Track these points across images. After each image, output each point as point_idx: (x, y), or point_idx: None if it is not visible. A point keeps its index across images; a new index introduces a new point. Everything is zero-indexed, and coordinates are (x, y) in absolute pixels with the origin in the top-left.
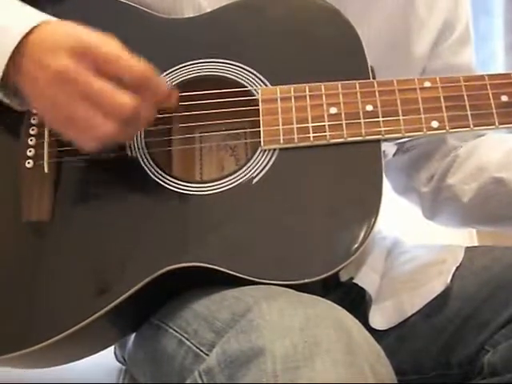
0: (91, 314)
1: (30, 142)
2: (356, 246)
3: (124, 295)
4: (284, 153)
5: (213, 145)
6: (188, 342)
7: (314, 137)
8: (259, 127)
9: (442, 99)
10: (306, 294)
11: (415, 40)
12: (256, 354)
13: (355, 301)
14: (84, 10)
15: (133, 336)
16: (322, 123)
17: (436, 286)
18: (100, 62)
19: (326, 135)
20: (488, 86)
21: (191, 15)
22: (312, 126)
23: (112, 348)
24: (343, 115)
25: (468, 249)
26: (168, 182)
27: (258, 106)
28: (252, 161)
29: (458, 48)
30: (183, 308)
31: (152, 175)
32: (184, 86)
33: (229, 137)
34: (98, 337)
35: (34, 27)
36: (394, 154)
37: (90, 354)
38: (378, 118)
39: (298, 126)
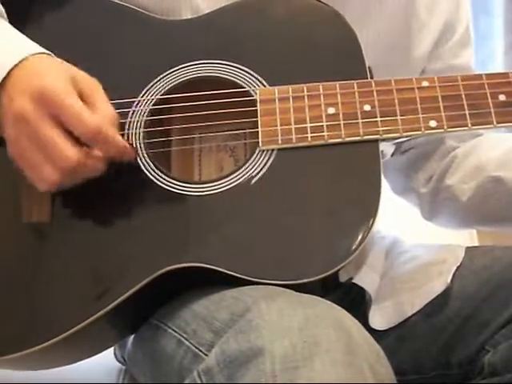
0: (91, 315)
1: None
2: (355, 245)
3: (123, 296)
4: (282, 153)
5: (212, 145)
6: (187, 342)
7: (312, 137)
8: (257, 128)
9: (440, 99)
10: (305, 294)
11: (415, 41)
12: (255, 354)
13: (355, 301)
14: (82, 13)
15: (132, 336)
16: (320, 123)
17: (436, 286)
18: (56, 111)
19: (324, 135)
20: (486, 86)
21: (189, 17)
22: (310, 127)
23: (112, 348)
24: (341, 115)
25: (468, 249)
26: (167, 182)
27: (256, 106)
28: (251, 161)
29: (458, 50)
30: (182, 308)
31: (151, 176)
32: (182, 87)
33: (228, 137)
34: (97, 338)
35: (19, 62)
36: (393, 154)
37: (90, 356)
38: (376, 117)
39: (296, 126)
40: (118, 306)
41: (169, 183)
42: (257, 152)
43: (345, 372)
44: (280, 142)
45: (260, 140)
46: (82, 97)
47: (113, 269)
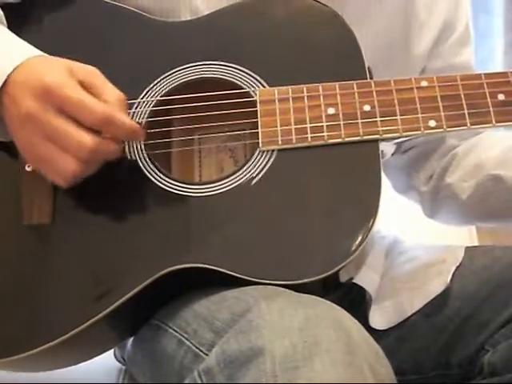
0: (91, 317)
1: None
2: (355, 245)
3: (124, 297)
4: (282, 153)
5: (212, 146)
6: (188, 342)
7: (312, 137)
8: (257, 128)
9: (439, 98)
10: (305, 295)
11: (415, 40)
12: (255, 354)
13: (355, 301)
14: (82, 15)
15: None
16: (320, 124)
17: (436, 286)
18: (61, 104)
19: (323, 136)
20: (485, 85)
21: (188, 18)
22: (310, 127)
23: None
24: (341, 115)
25: (468, 248)
26: (167, 183)
27: (256, 107)
28: (251, 162)
29: (458, 48)
30: (183, 308)
31: (151, 177)
32: (182, 88)
33: (228, 138)
34: (97, 340)
35: (18, 66)
36: (393, 154)
37: (90, 358)
38: (376, 118)
39: (296, 126)
40: (118, 308)
41: (169, 184)
42: (257, 153)
43: (345, 372)
44: (280, 142)
45: (260, 141)
46: (83, 86)
47: (114, 270)
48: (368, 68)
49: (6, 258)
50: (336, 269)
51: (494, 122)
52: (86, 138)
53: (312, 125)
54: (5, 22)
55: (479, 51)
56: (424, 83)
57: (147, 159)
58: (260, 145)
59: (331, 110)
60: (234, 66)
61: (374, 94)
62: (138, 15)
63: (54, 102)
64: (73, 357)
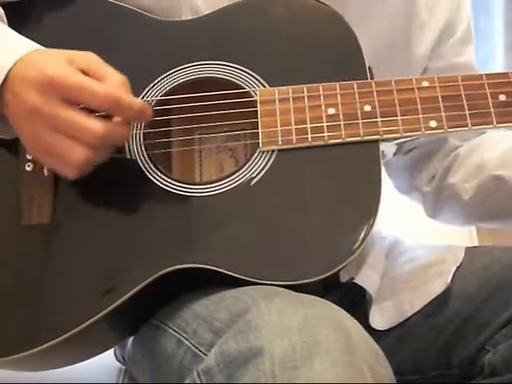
0: (93, 316)
1: None
2: (355, 246)
3: (125, 297)
4: (283, 154)
5: (212, 146)
6: (187, 342)
7: (312, 138)
8: (258, 128)
9: (440, 99)
10: (304, 295)
11: (416, 41)
12: (254, 354)
13: (355, 301)
14: (83, 14)
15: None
16: (321, 124)
17: (436, 286)
18: (66, 94)
19: (324, 136)
20: (486, 86)
21: (189, 17)
22: (310, 127)
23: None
24: (341, 116)
25: (468, 249)
26: (167, 183)
27: (256, 107)
28: (251, 162)
29: (460, 48)
30: (183, 308)
31: (151, 177)
32: (182, 88)
33: (228, 138)
34: (97, 339)
35: (17, 60)
36: (395, 154)
37: (91, 357)
38: (376, 118)
39: (297, 127)
40: (119, 307)
41: (169, 184)
42: (257, 153)
43: (344, 372)
44: (280, 142)
45: (260, 141)
46: (84, 73)
47: (114, 270)
48: (369, 68)
49: (5, 258)
50: (336, 269)
51: (495, 122)
52: (96, 125)
53: (312, 125)
54: (5, 20)
55: (479, 52)
56: (425, 83)
57: (147, 159)
58: (260, 145)
59: (332, 110)
60: (234, 65)
61: (375, 94)
62: (138, 14)
63: (59, 92)
64: (73, 356)
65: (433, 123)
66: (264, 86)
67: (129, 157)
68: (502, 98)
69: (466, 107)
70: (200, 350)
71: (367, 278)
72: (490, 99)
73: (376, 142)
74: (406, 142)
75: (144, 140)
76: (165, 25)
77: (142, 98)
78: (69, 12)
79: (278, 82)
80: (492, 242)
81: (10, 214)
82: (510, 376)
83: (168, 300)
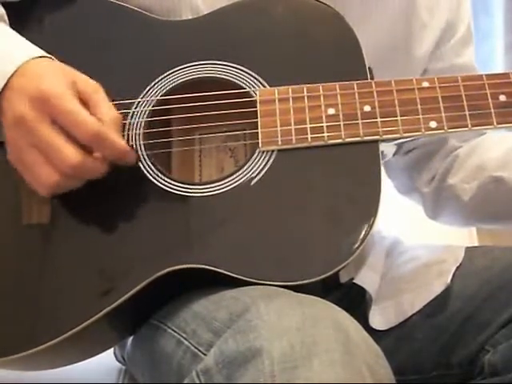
0: (92, 316)
1: None
2: (355, 246)
3: (124, 297)
4: (282, 154)
5: (212, 146)
6: (186, 342)
7: (312, 138)
8: (257, 128)
9: (440, 99)
10: (304, 295)
11: (416, 41)
12: (253, 354)
13: (355, 301)
14: (83, 14)
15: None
16: (320, 124)
17: (436, 286)
18: (54, 115)
19: (324, 136)
20: (486, 86)
21: (189, 17)
22: (310, 127)
23: (112, 348)
24: (341, 116)
25: (468, 249)
26: (167, 183)
27: (256, 107)
28: (250, 162)
29: (460, 48)
30: (182, 308)
31: (151, 177)
32: (182, 88)
33: (228, 138)
34: (97, 339)
35: (19, 67)
36: (394, 155)
37: (91, 356)
38: (376, 118)
39: (296, 127)
40: (119, 307)
41: (169, 184)
42: (257, 153)
43: (343, 372)
44: (280, 142)
45: (260, 141)
46: (82, 100)
47: (113, 270)
48: (369, 68)
49: (5, 258)
50: (336, 269)
51: (495, 123)
52: (72, 153)
53: (312, 125)
54: (7, 20)
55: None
56: (425, 84)
57: (147, 159)
58: (260, 145)
59: (331, 111)
60: (234, 65)
61: (375, 94)
62: (139, 14)
63: (49, 111)
64: (73, 356)
65: (433, 124)
66: (264, 86)
67: None
68: (503, 98)
69: (466, 108)
70: (199, 350)
71: (367, 278)
72: (490, 100)
73: (376, 142)
74: (406, 142)
75: (144, 140)
76: (165, 25)
77: (143, 97)
78: (69, 12)
79: (277, 82)
80: (492, 242)
81: (10, 214)
82: (510, 376)
83: (167, 300)
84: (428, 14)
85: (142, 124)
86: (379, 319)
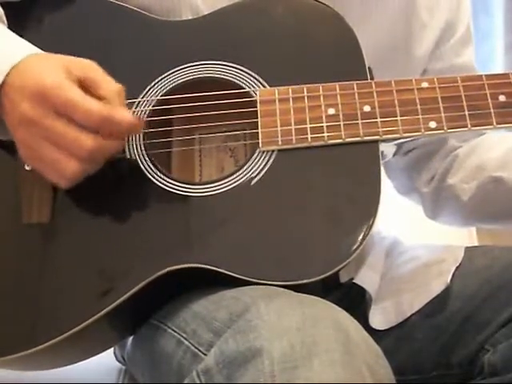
0: (92, 315)
1: None
2: (355, 246)
3: (124, 296)
4: (282, 154)
5: (212, 146)
6: (186, 342)
7: (312, 138)
8: (258, 128)
9: (440, 100)
10: (304, 295)
11: (416, 41)
12: (254, 354)
13: (355, 301)
14: (82, 14)
15: (132, 336)
16: (320, 124)
17: (436, 286)
18: (57, 106)
19: (324, 136)
20: (486, 86)
21: (189, 17)
22: (310, 127)
23: (112, 348)
24: (341, 116)
25: (468, 249)
26: (167, 183)
27: (256, 107)
28: (250, 162)
29: (460, 48)
30: (182, 308)
31: (151, 177)
32: (183, 87)
33: (228, 138)
34: (98, 338)
35: (14, 65)
36: (394, 155)
37: (90, 357)
38: (376, 118)
39: (296, 127)
40: (118, 307)
41: (169, 184)
42: (257, 153)
43: (343, 372)
44: (280, 142)
45: (260, 141)
46: (81, 83)
47: (113, 270)
48: (369, 68)
49: (5, 257)
50: (336, 269)
51: (494, 123)
52: (86, 138)
53: (312, 125)
54: (5, 20)
55: (479, 52)
56: (425, 84)
57: (147, 159)
58: (260, 145)
59: (331, 111)
60: (234, 65)
61: (375, 94)
62: (138, 14)
63: (51, 104)
64: (73, 355)
65: (432, 124)
66: (264, 86)
67: (129, 156)
68: (502, 98)
69: (465, 108)
70: (199, 350)
71: (367, 278)
72: (489, 100)
73: (376, 142)
74: (406, 142)
75: (144, 140)
76: (165, 25)
77: (143, 97)
78: (69, 12)
79: (277, 82)
80: (492, 242)
81: (10, 213)
82: (509, 376)
83: (167, 300)
84: (428, 14)
85: (142, 116)
86: (379, 319)
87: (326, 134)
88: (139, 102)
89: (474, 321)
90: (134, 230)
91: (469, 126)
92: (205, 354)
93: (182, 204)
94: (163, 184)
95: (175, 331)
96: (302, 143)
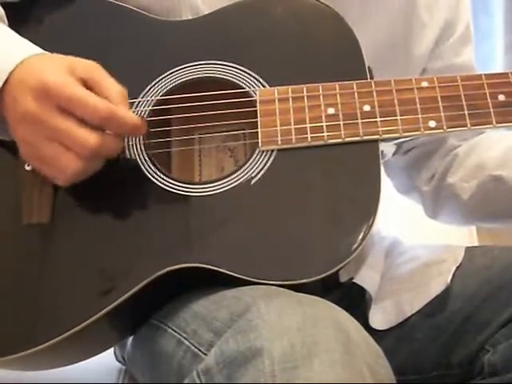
0: (92, 315)
1: None
2: (355, 245)
3: (124, 296)
4: (282, 153)
5: (212, 146)
6: (187, 342)
7: (311, 137)
8: (257, 128)
9: (440, 99)
10: (304, 294)
11: (416, 40)
12: (254, 354)
13: (355, 301)
14: (82, 14)
15: (132, 336)
16: (320, 124)
17: (436, 286)
18: (61, 104)
19: (323, 136)
20: (485, 86)
21: (189, 17)
22: (310, 127)
23: (112, 348)
24: (341, 116)
25: (468, 249)
26: (167, 183)
27: (256, 107)
28: (250, 162)
29: (459, 47)
30: (182, 308)
31: (151, 177)
32: (182, 87)
33: (227, 138)
34: (99, 338)
35: (18, 64)
36: (394, 154)
37: (90, 357)
38: (376, 118)
39: (296, 126)
40: (118, 307)
41: (169, 184)
42: (256, 152)
43: (343, 372)
44: (280, 142)
45: (260, 140)
46: (84, 82)
47: (113, 269)
48: (368, 68)
49: (5, 257)
50: (336, 268)
51: (494, 122)
52: (89, 136)
53: (312, 125)
54: (6, 20)
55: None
56: (424, 84)
57: (147, 159)
58: (260, 145)
59: (331, 110)
60: (234, 65)
61: (374, 94)
62: (138, 14)
63: (55, 101)
64: (73, 355)
65: (432, 123)
66: (263, 86)
67: (128, 156)
68: (502, 97)
69: (465, 107)
70: (200, 350)
71: (367, 278)
72: (489, 99)
73: (375, 141)
74: (406, 141)
75: (144, 140)
76: (165, 25)
77: (142, 97)
78: (69, 12)
79: (277, 82)
80: (492, 242)
81: (10, 213)
82: (509, 376)
83: (168, 300)
84: (427, 13)
85: (144, 117)
86: (379, 319)
87: (325, 134)
88: (139, 102)
89: (474, 321)
90: (134, 230)
91: (468, 125)
92: (205, 354)
93: (182, 204)
94: (163, 184)
95: (175, 331)
96: (302, 143)
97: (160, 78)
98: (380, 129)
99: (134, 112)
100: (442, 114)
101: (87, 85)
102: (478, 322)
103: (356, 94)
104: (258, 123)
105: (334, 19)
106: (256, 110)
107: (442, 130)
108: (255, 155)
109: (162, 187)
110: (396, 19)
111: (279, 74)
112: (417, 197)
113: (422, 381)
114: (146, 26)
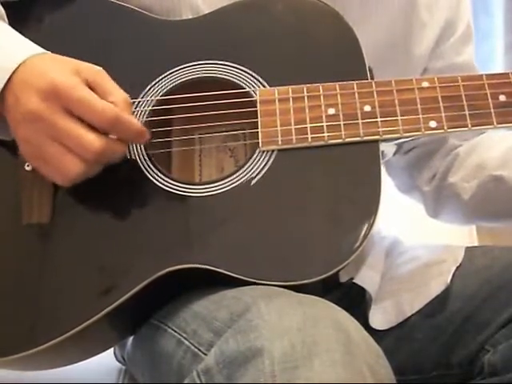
0: (92, 316)
1: None
2: (355, 246)
3: (124, 297)
4: (282, 154)
5: (212, 146)
6: (187, 342)
7: (312, 138)
8: (258, 128)
9: (440, 99)
10: (304, 295)
11: (416, 40)
12: (254, 354)
13: (355, 301)
14: (83, 14)
15: (132, 336)
16: (320, 124)
17: (436, 286)
18: (67, 104)
19: (324, 136)
20: (486, 86)
21: (190, 17)
22: (310, 127)
23: (112, 348)
24: (341, 116)
25: (468, 249)
26: (167, 183)
27: (256, 107)
28: (250, 162)
29: (460, 47)
30: (182, 308)
31: (151, 177)
32: (183, 87)
33: (228, 138)
34: (99, 338)
35: (21, 64)
36: (395, 154)
37: (90, 357)
38: (376, 118)
39: (296, 127)
40: (118, 307)
41: (169, 184)
42: (257, 153)
43: (344, 372)
44: (280, 142)
45: (260, 141)
46: (89, 86)
47: (114, 270)
48: (369, 68)
49: (5, 257)
50: (336, 269)
51: (495, 123)
52: (94, 140)
53: (312, 125)
54: (6, 19)
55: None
56: (425, 84)
57: (147, 159)
58: (260, 145)
59: (331, 111)
60: (234, 65)
61: (375, 94)
62: (139, 14)
63: (61, 101)
64: (73, 355)
65: (433, 123)
66: (264, 86)
67: (129, 157)
68: (502, 98)
69: (465, 107)
70: (200, 350)
71: (367, 278)
72: (490, 99)
73: (376, 142)
74: (406, 142)
75: None
76: (165, 24)
77: (143, 97)
78: (69, 11)
79: (277, 82)
80: (492, 242)
81: (10, 213)
82: (509, 376)
83: (168, 300)
84: (427, 13)
85: (142, 124)
86: (379, 319)
87: (326, 134)
88: (139, 102)
89: (474, 321)
90: (134, 231)
91: (469, 125)
92: (205, 354)
93: (182, 204)
94: (163, 184)
95: (175, 331)
96: (302, 143)
97: (160, 77)
98: (380, 129)
99: (134, 112)
100: (443, 115)
101: (92, 89)
102: (478, 322)
103: (356, 94)
104: (259, 123)
105: (335, 19)
106: (256, 110)
107: (442, 131)
108: (255, 155)
109: (162, 187)
110: (396, 19)
111: (279, 74)
112: (418, 196)
113: (422, 381)
114: (146, 26)
